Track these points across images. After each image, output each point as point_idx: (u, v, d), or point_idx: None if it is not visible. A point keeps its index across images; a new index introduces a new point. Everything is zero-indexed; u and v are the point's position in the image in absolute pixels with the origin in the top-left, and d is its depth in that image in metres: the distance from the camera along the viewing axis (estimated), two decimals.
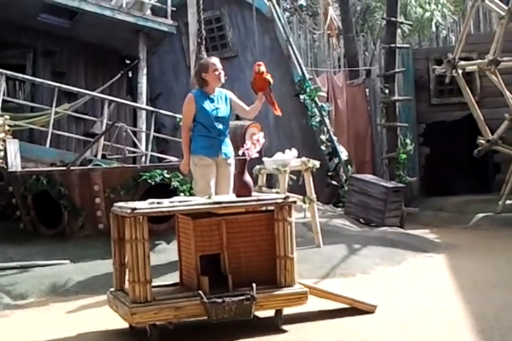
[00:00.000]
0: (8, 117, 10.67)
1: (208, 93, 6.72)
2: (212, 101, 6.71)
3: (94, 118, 14.03)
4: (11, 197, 9.12)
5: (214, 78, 6.66)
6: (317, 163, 8.60)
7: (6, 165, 9.80)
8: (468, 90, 12.21)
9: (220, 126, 6.72)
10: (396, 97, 13.04)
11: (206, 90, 6.72)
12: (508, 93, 12.10)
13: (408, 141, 12.83)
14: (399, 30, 14.42)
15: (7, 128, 10.28)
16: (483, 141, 12.13)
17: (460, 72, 12.20)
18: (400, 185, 11.80)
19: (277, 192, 8.10)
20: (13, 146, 10.05)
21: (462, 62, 12.25)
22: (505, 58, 12.04)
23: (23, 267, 7.48)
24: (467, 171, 15.38)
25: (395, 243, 8.97)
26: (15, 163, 9.96)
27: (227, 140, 6.88)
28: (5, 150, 9.95)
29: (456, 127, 13.70)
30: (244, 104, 6.90)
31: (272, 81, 6.61)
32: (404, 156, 12.58)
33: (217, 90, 6.80)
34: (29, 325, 5.50)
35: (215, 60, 6.74)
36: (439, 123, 14.89)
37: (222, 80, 6.72)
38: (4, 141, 10.00)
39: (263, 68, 6.54)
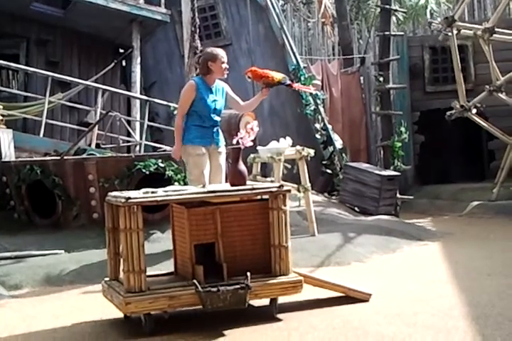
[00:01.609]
0: (1, 107, 10.64)
1: (209, 83, 6.68)
2: (211, 92, 6.68)
3: (88, 108, 14.00)
4: (5, 187, 9.09)
5: (219, 70, 6.60)
6: (312, 152, 8.60)
7: (0, 155, 9.77)
8: (456, 49, 12.15)
9: (215, 118, 6.72)
10: (390, 85, 13.03)
11: (207, 79, 6.68)
12: (494, 64, 12.07)
13: (403, 129, 12.83)
14: (393, 18, 14.41)
15: (0, 117, 10.25)
16: (458, 106, 12.13)
17: (455, 32, 12.12)
18: (395, 173, 11.80)
19: (272, 181, 8.09)
20: (6, 136, 10.01)
21: (459, 23, 12.19)
22: (500, 30, 12.00)
23: (17, 257, 7.44)
24: (462, 159, 15.40)
25: (390, 231, 8.99)
26: (8, 152, 9.92)
27: (219, 129, 6.87)
28: None
29: None
30: (238, 99, 6.85)
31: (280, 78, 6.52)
32: (398, 144, 12.58)
33: (216, 81, 6.76)
34: (24, 315, 5.47)
35: (224, 54, 6.69)
36: (434, 111, 14.88)
37: (225, 75, 6.68)
38: None
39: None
